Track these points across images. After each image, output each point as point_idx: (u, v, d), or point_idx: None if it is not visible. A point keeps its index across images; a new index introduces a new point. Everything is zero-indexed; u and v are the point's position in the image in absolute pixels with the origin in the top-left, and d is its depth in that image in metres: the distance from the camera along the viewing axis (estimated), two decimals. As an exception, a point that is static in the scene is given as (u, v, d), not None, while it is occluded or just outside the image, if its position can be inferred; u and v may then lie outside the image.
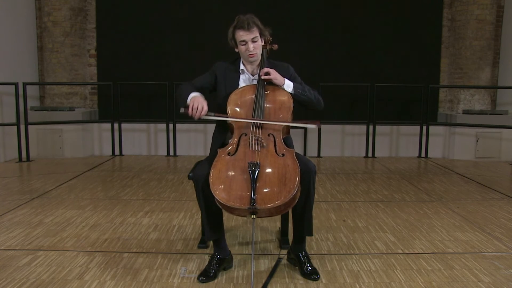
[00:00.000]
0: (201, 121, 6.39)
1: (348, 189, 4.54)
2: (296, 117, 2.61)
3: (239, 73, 2.68)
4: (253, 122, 2.46)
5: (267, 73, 2.55)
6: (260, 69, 2.61)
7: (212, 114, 2.50)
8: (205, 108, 2.45)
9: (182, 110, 2.46)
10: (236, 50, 2.65)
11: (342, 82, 6.61)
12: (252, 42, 2.55)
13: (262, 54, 2.67)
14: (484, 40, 6.61)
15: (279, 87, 2.59)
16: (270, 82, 2.58)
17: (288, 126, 2.60)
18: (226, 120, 2.57)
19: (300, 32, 6.80)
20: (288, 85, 2.59)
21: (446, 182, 4.93)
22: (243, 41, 2.54)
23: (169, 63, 6.81)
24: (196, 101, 2.45)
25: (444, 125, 6.64)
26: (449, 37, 7.01)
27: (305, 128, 6.45)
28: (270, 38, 2.77)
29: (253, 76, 2.68)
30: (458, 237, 3.15)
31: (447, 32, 7.02)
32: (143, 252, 2.82)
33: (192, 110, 2.43)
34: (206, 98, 2.57)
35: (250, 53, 2.57)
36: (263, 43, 2.63)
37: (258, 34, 2.56)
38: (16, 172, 5.31)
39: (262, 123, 2.47)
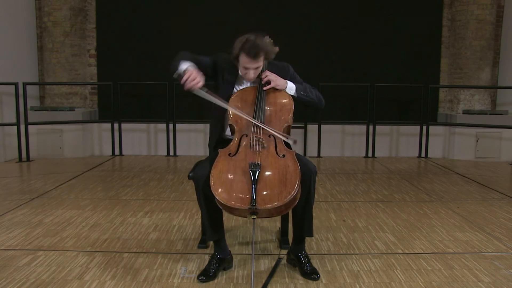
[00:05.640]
0: (201, 121, 6.44)
1: (348, 189, 4.54)
2: (295, 116, 2.61)
3: (239, 77, 2.67)
4: (254, 123, 2.45)
5: (268, 82, 2.53)
6: (260, 73, 2.60)
7: (205, 89, 2.39)
8: (201, 83, 2.35)
9: (176, 75, 2.36)
10: (237, 63, 2.58)
11: (342, 82, 6.61)
12: (253, 70, 2.50)
13: None
14: (484, 40, 6.61)
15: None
16: None
17: (289, 127, 2.59)
18: (227, 109, 2.48)
19: (300, 32, 6.79)
20: (291, 88, 2.59)
21: (446, 182, 4.93)
22: (246, 67, 2.50)
23: (169, 63, 6.79)
24: (194, 72, 2.35)
25: (444, 125, 6.64)
26: (449, 37, 7.01)
27: (305, 128, 6.47)
28: (272, 40, 2.76)
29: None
30: (458, 237, 3.15)
31: (447, 32, 7.02)
32: (143, 252, 2.82)
33: (187, 79, 2.32)
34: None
35: (249, 78, 2.56)
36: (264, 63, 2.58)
37: (262, 63, 2.51)
38: (16, 172, 5.31)
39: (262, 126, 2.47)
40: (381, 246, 2.97)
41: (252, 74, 2.52)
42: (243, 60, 2.48)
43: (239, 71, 2.61)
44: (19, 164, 5.75)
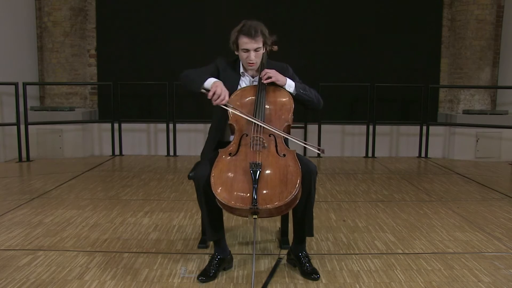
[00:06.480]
0: (201, 121, 6.44)
1: (348, 189, 4.54)
2: (295, 116, 2.61)
3: (240, 76, 2.68)
4: (255, 123, 2.45)
5: (269, 77, 2.53)
6: (260, 71, 2.60)
7: (231, 106, 2.47)
8: (227, 98, 2.43)
9: (203, 90, 2.42)
10: (236, 53, 2.61)
11: (342, 82, 6.61)
12: (254, 51, 2.51)
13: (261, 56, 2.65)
14: (484, 40, 6.61)
15: (280, 87, 2.59)
16: (271, 82, 2.57)
17: (289, 127, 2.59)
18: (241, 115, 2.48)
19: (300, 32, 6.80)
20: (290, 85, 2.59)
21: (446, 182, 4.93)
22: (246, 49, 2.51)
23: (169, 63, 6.81)
24: (220, 87, 2.42)
25: (444, 125, 6.64)
26: (449, 37, 7.01)
27: (305, 128, 6.47)
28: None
29: (253, 78, 2.68)
30: (458, 237, 3.15)
31: (447, 32, 7.02)
32: (143, 252, 2.82)
33: (214, 95, 2.40)
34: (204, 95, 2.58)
35: (251, 62, 2.55)
36: (264, 51, 2.59)
37: (261, 44, 2.52)
38: (16, 172, 5.31)
39: (263, 125, 2.47)
40: (381, 246, 2.97)
41: (253, 56, 2.52)
42: (242, 41, 2.49)
43: (240, 60, 2.62)
44: (19, 164, 5.75)
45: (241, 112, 2.48)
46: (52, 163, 5.87)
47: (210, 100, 2.41)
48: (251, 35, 2.46)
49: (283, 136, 2.50)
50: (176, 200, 4.05)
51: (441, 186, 4.70)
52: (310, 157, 6.22)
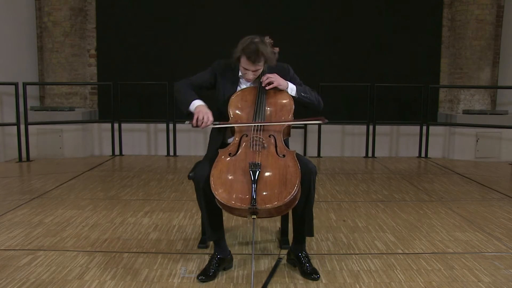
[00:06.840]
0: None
1: (348, 189, 4.54)
2: (296, 117, 2.61)
3: (239, 78, 2.68)
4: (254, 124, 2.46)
5: (270, 82, 2.54)
6: (261, 74, 2.60)
7: (217, 123, 2.53)
8: (211, 118, 2.47)
9: (187, 122, 2.51)
10: (238, 62, 2.61)
11: (342, 82, 6.61)
12: (253, 72, 2.54)
13: None
14: (484, 40, 6.61)
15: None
16: None
17: (289, 127, 2.60)
18: (231, 126, 2.56)
19: (300, 32, 6.79)
20: (292, 89, 2.60)
21: (446, 182, 4.93)
22: (246, 69, 2.54)
23: (169, 63, 6.81)
24: (201, 112, 2.46)
25: (444, 125, 6.64)
26: (449, 37, 7.01)
27: (305, 128, 6.47)
28: (272, 40, 2.75)
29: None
30: (458, 237, 3.15)
31: (447, 32, 7.02)
32: (143, 252, 2.82)
33: (197, 122, 2.45)
34: (204, 96, 2.60)
35: (248, 79, 2.60)
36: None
37: (262, 66, 2.55)
38: (16, 172, 5.31)
39: (263, 125, 2.48)
40: (381, 246, 2.97)
41: (251, 75, 2.57)
42: (244, 61, 2.52)
43: (239, 70, 2.62)
44: (19, 164, 5.75)
45: (231, 124, 2.54)
46: (52, 163, 5.87)
47: (197, 126, 2.47)
48: (252, 61, 2.48)
49: (283, 137, 2.51)
50: (176, 200, 4.05)
51: (441, 186, 4.70)
52: (310, 157, 6.23)
